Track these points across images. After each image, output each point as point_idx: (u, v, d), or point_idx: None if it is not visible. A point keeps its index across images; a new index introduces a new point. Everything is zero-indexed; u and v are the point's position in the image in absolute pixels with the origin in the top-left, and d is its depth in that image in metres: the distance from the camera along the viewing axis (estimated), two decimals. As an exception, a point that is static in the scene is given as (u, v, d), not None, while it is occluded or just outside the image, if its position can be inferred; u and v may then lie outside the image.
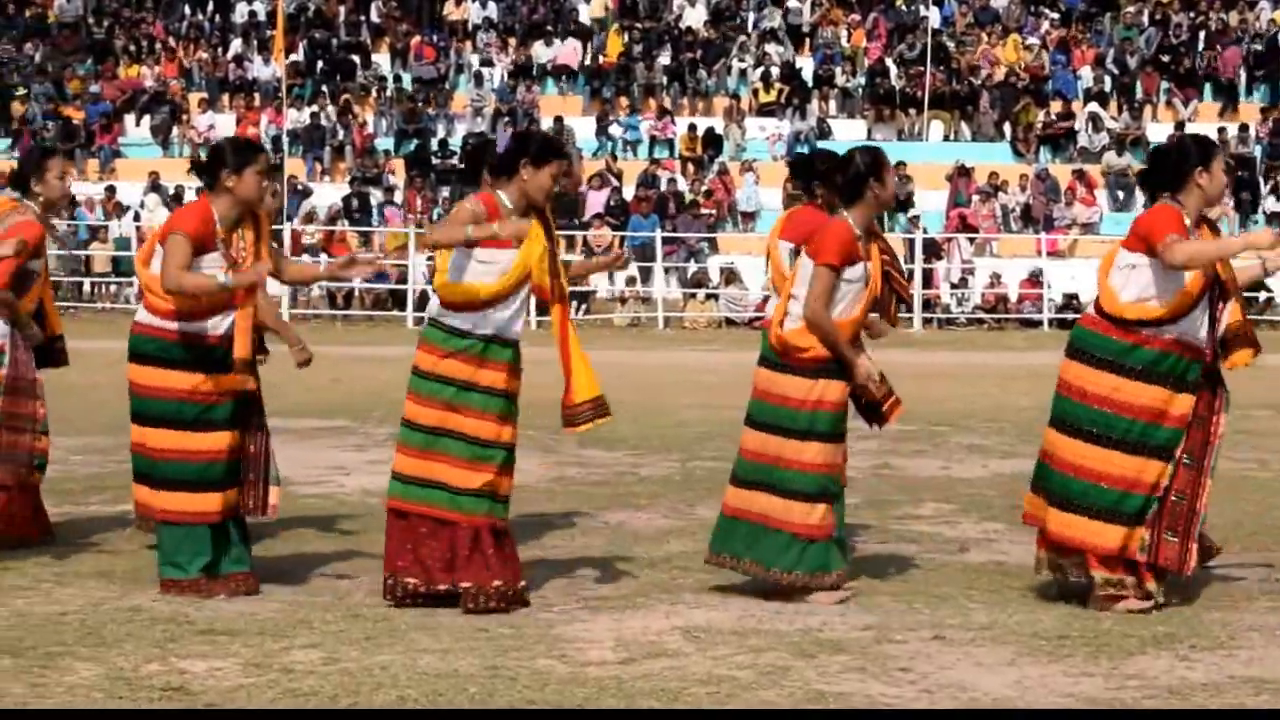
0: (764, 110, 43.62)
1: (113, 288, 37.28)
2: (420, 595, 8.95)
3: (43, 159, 10.94)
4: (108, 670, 7.53)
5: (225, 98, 44.79)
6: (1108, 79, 44.20)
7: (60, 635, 8.18)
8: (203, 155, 10.10)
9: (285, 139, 40.90)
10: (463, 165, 36.00)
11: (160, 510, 9.29)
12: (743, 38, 46.34)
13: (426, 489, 8.92)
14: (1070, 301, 35.62)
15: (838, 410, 9.26)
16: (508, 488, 9.05)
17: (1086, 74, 44.36)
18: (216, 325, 9.21)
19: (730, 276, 36.29)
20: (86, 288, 37.77)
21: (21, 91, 44.38)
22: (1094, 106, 42.60)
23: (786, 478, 9.20)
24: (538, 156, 9.01)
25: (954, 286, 37.03)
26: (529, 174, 8.98)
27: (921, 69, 42.92)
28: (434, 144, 42.20)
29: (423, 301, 27.47)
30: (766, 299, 33.37)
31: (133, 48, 46.97)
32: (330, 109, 43.36)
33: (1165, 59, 44.23)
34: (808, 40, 46.71)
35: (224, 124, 41.46)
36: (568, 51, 46.03)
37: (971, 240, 37.99)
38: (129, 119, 44.30)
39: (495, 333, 8.89)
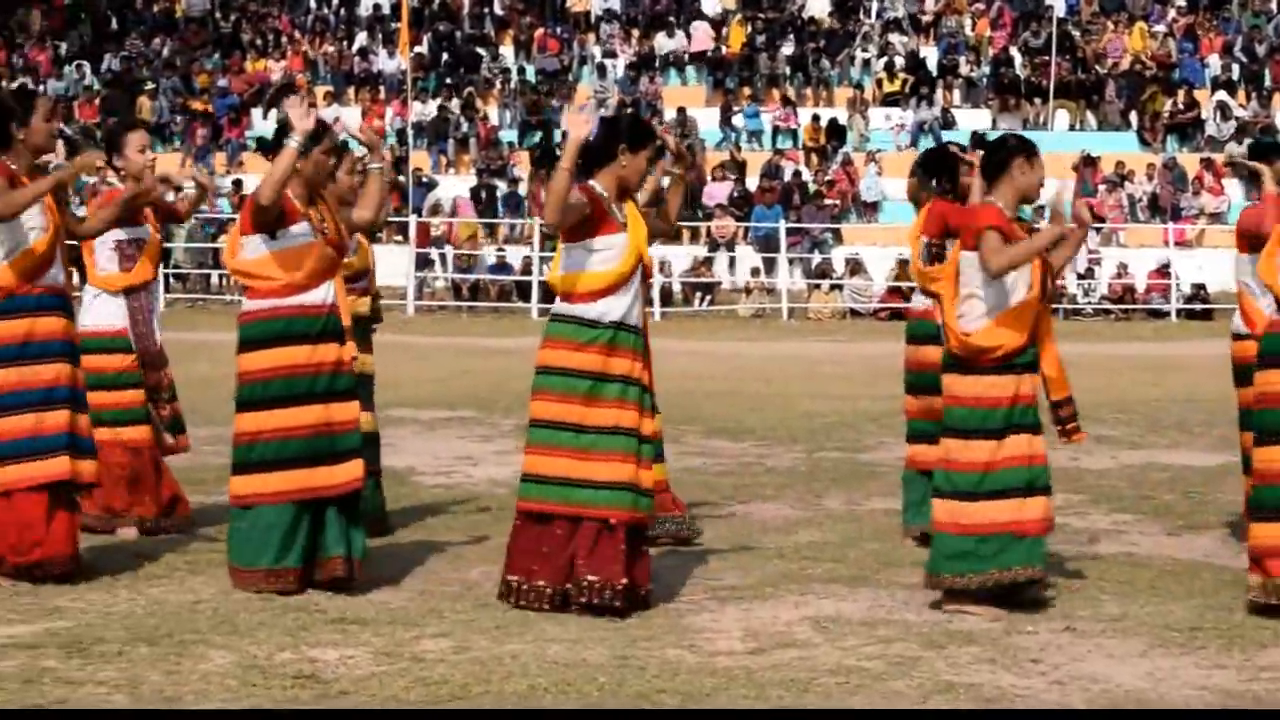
0: (888, 100, 43.48)
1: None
2: (549, 598, 8.66)
3: (122, 133, 10.73)
4: (241, 658, 7.61)
5: (351, 91, 45.11)
6: (1235, 67, 43.76)
7: (195, 623, 8.27)
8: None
9: (410, 132, 41.16)
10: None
11: (274, 493, 9.07)
12: (866, 27, 46.21)
13: (569, 488, 8.59)
14: (1198, 292, 35.28)
15: (1033, 403, 8.85)
16: (650, 481, 8.78)
17: (1214, 62, 43.94)
18: (326, 295, 9.05)
19: (855, 267, 36.23)
20: (215, 280, 38.10)
21: (150, 86, 44.89)
22: (1222, 95, 42.16)
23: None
24: (634, 141, 8.85)
25: (1080, 277, 36.75)
26: (627, 159, 8.80)
27: (1046, 58, 42.61)
28: (558, 136, 42.30)
29: (549, 295, 27.69)
30: (893, 290, 33.33)
31: (259, 41, 47.42)
32: (455, 102, 43.55)
33: (1294, 46, 43.80)
34: (932, 30, 46.54)
35: (350, 117, 41.71)
36: (700, 36, 46.01)
37: (1098, 230, 37.68)
38: (255, 112, 44.68)
39: (621, 319, 8.69)
